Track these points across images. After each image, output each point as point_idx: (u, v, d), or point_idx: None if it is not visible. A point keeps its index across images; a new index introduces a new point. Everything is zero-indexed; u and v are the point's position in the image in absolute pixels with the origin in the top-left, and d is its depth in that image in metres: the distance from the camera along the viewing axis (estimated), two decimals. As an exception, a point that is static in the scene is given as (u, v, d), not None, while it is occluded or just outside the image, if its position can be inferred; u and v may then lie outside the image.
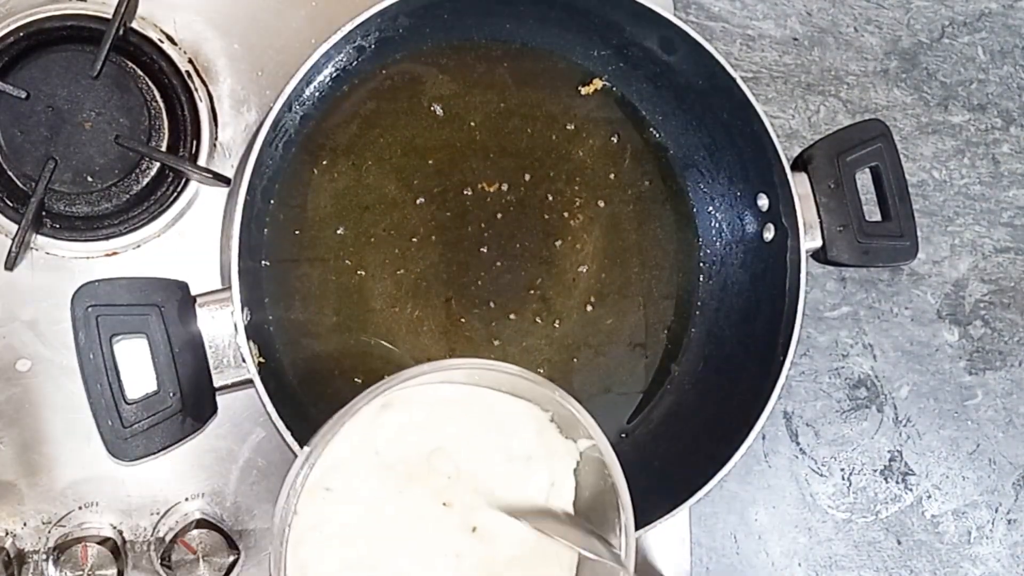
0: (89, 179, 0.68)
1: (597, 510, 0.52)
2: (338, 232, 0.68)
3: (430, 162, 0.70)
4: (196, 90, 0.69)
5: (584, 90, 0.73)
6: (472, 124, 0.71)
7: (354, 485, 0.48)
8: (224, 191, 0.69)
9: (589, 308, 0.72)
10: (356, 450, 0.48)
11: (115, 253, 0.68)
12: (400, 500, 0.49)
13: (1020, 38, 0.87)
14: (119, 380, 0.56)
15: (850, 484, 0.81)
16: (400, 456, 0.49)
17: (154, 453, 0.57)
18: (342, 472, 0.48)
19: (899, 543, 0.82)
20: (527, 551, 0.50)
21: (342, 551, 0.47)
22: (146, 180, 0.69)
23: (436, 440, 0.50)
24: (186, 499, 0.68)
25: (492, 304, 0.70)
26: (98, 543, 0.64)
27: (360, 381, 0.68)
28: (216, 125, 0.70)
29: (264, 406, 0.57)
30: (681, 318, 0.73)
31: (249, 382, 0.58)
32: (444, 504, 0.50)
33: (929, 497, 0.82)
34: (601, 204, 0.72)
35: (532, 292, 0.71)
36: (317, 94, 0.67)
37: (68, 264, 0.68)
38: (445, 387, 0.51)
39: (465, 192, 0.70)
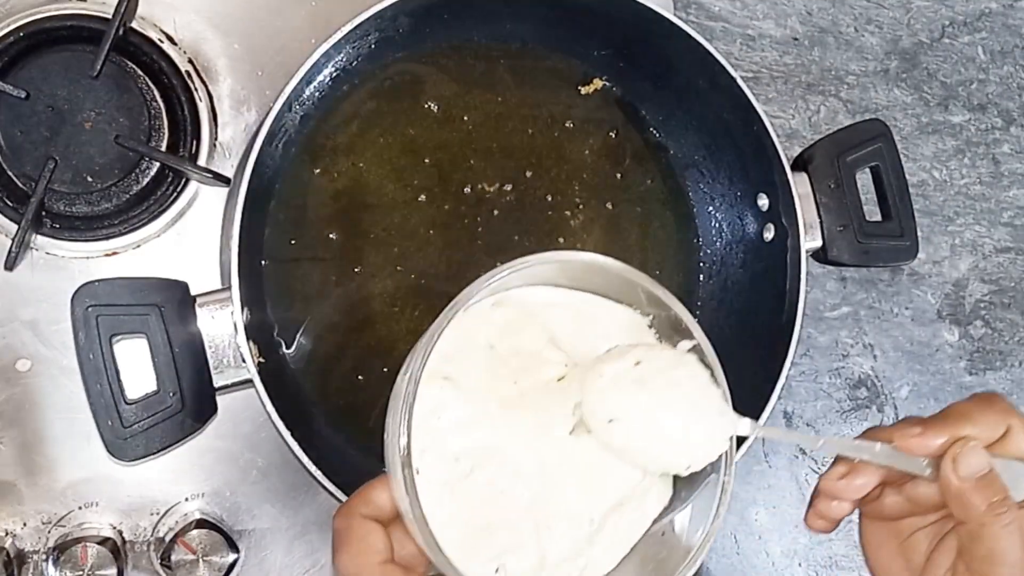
0: (89, 179, 0.68)
1: None
2: (338, 232, 0.68)
3: (430, 162, 0.70)
4: (196, 90, 0.69)
5: (584, 90, 0.73)
6: (472, 124, 0.71)
7: (471, 374, 0.49)
8: (224, 191, 0.69)
9: (589, 308, 0.72)
10: (471, 343, 0.50)
11: (115, 253, 0.68)
12: (516, 390, 0.50)
13: (1020, 38, 0.87)
14: (119, 380, 0.56)
15: (850, 484, 0.81)
16: (514, 349, 0.50)
17: (154, 453, 0.57)
18: (458, 362, 0.49)
19: (899, 543, 0.82)
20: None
21: (460, 435, 0.48)
22: (146, 180, 0.69)
23: (547, 336, 0.51)
24: (186, 499, 0.68)
25: (492, 304, 0.70)
26: (98, 543, 0.64)
27: (361, 379, 0.68)
28: (216, 125, 0.70)
29: (264, 406, 0.57)
30: (681, 318, 0.73)
31: (249, 382, 0.58)
32: (559, 380, 0.50)
33: (929, 497, 0.82)
34: (601, 204, 0.72)
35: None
36: (317, 94, 0.67)
37: (68, 264, 0.68)
38: (552, 290, 0.51)
39: (465, 192, 0.70)
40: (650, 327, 0.52)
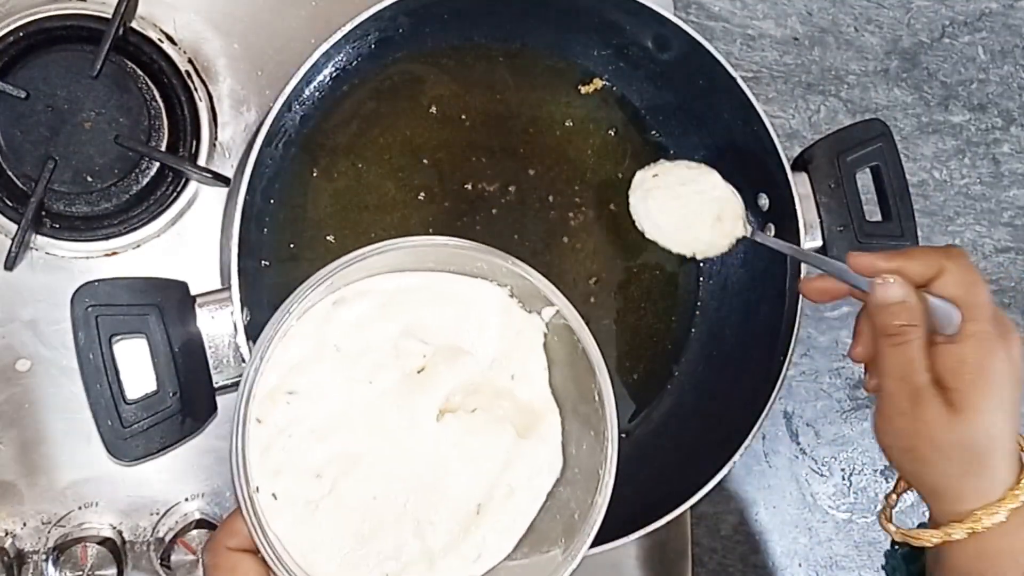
0: (89, 179, 0.68)
1: (573, 381, 0.51)
2: (338, 232, 0.68)
3: (430, 162, 0.70)
4: (196, 90, 0.69)
5: (584, 89, 0.73)
6: (472, 124, 0.71)
7: (320, 383, 0.47)
8: (224, 191, 0.69)
9: (589, 307, 0.72)
10: (315, 349, 0.48)
11: (115, 253, 0.68)
12: (371, 389, 0.48)
13: (1020, 38, 0.87)
14: (119, 380, 0.56)
15: (850, 484, 0.81)
16: (363, 347, 0.48)
17: (154, 453, 0.57)
18: (304, 373, 0.47)
19: (899, 543, 0.82)
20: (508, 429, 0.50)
21: (319, 447, 0.47)
22: (146, 180, 0.69)
23: (400, 327, 0.49)
24: (186, 499, 0.68)
25: (492, 304, 0.70)
26: (98, 543, 0.64)
27: (360, 381, 0.68)
28: (216, 125, 0.70)
29: (264, 406, 0.57)
30: (681, 318, 0.73)
31: (249, 382, 0.58)
32: (419, 372, 0.49)
33: (929, 497, 0.82)
34: (601, 204, 0.72)
35: (532, 292, 0.71)
36: (317, 94, 0.67)
37: (68, 264, 0.68)
38: (400, 276, 0.50)
39: (465, 191, 0.70)
40: (512, 296, 0.51)
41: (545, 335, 0.51)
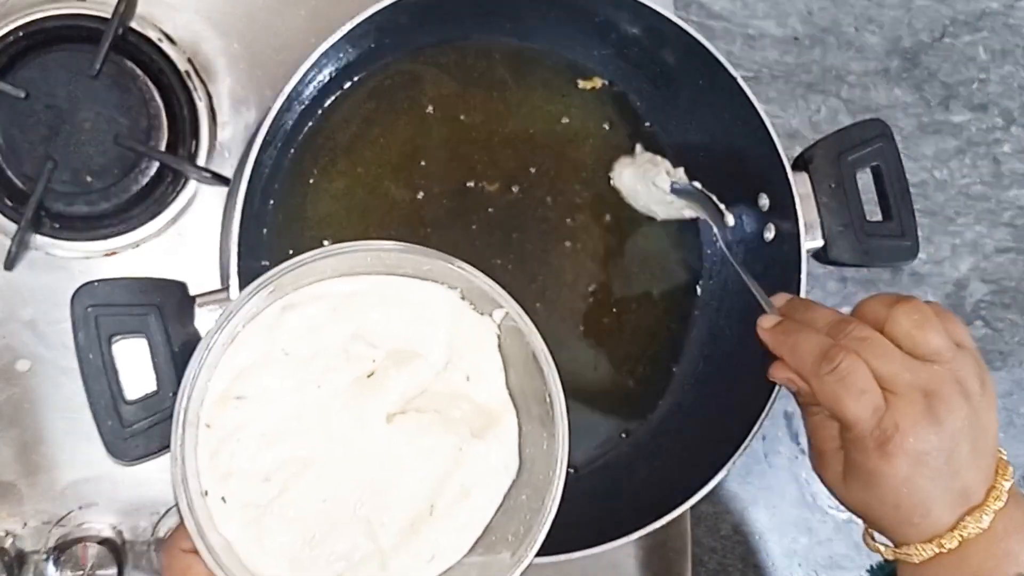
0: (88, 179, 0.68)
1: (529, 382, 0.51)
2: (338, 232, 0.68)
3: (430, 162, 0.70)
4: (195, 90, 0.69)
5: (584, 88, 0.73)
6: (472, 123, 0.71)
7: (268, 387, 0.48)
8: (223, 191, 0.69)
9: (588, 307, 0.72)
10: (263, 354, 0.48)
11: (114, 253, 0.68)
12: (320, 393, 0.49)
13: (1021, 37, 0.87)
14: (118, 380, 0.56)
15: (850, 484, 0.81)
16: (313, 351, 0.49)
17: (154, 453, 0.57)
18: (252, 378, 0.47)
19: (899, 543, 0.82)
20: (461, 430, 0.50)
21: (268, 451, 0.47)
22: (145, 180, 0.69)
23: (350, 330, 0.49)
24: (186, 499, 0.68)
25: (492, 304, 0.70)
26: (98, 543, 0.64)
27: (360, 381, 0.68)
28: (215, 125, 0.70)
29: (263, 406, 0.57)
30: (681, 318, 0.73)
31: (248, 382, 0.58)
32: (368, 376, 0.49)
33: (930, 497, 0.82)
34: (601, 203, 0.72)
35: (531, 290, 0.71)
36: (317, 94, 0.67)
37: (67, 264, 0.68)
38: (350, 280, 0.50)
39: (464, 191, 0.70)
40: (463, 299, 0.51)
41: (498, 336, 0.51)
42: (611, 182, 0.71)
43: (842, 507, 0.81)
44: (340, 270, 0.49)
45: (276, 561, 0.45)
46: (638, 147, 0.72)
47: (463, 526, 0.49)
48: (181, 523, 0.45)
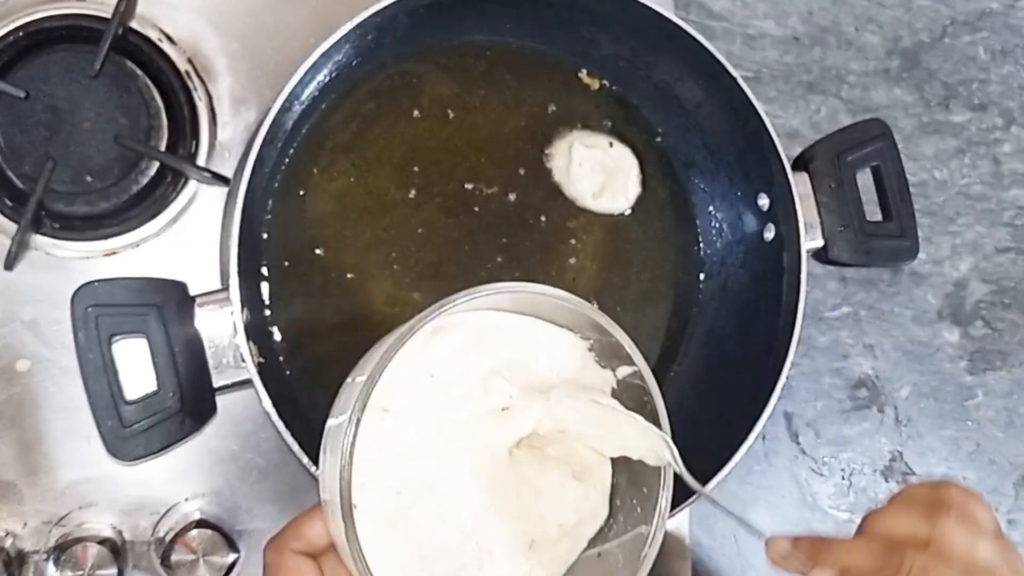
0: (88, 179, 0.68)
1: None
2: (338, 232, 0.68)
3: (429, 162, 0.70)
4: (195, 89, 0.69)
5: (584, 87, 0.73)
6: (471, 123, 0.71)
7: (412, 405, 0.49)
8: (223, 191, 0.69)
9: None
10: (412, 372, 0.49)
11: (114, 253, 0.68)
12: (457, 418, 0.50)
13: (1021, 37, 0.87)
14: (119, 380, 0.56)
15: (851, 484, 0.81)
16: (455, 378, 0.50)
17: (154, 453, 0.57)
18: (399, 393, 0.48)
19: (899, 543, 0.82)
20: (575, 469, 0.51)
21: (403, 466, 0.48)
22: (145, 180, 0.69)
23: (489, 364, 0.51)
24: (186, 499, 0.68)
25: (492, 304, 0.70)
26: (98, 543, 0.64)
27: (360, 381, 0.67)
28: (215, 124, 0.70)
29: (264, 406, 0.57)
30: (681, 318, 0.73)
31: (249, 382, 0.58)
32: (503, 410, 0.50)
33: (930, 497, 0.82)
34: (601, 204, 0.72)
35: (532, 292, 0.71)
36: (317, 94, 0.67)
37: (67, 264, 0.68)
38: (493, 314, 0.51)
39: (464, 192, 0.70)
40: (590, 350, 0.52)
41: (613, 389, 0.52)
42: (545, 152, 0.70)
43: (842, 507, 0.81)
44: (486, 304, 0.51)
45: (388, 573, 0.45)
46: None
47: (553, 565, 0.50)
48: (293, 523, 0.45)
